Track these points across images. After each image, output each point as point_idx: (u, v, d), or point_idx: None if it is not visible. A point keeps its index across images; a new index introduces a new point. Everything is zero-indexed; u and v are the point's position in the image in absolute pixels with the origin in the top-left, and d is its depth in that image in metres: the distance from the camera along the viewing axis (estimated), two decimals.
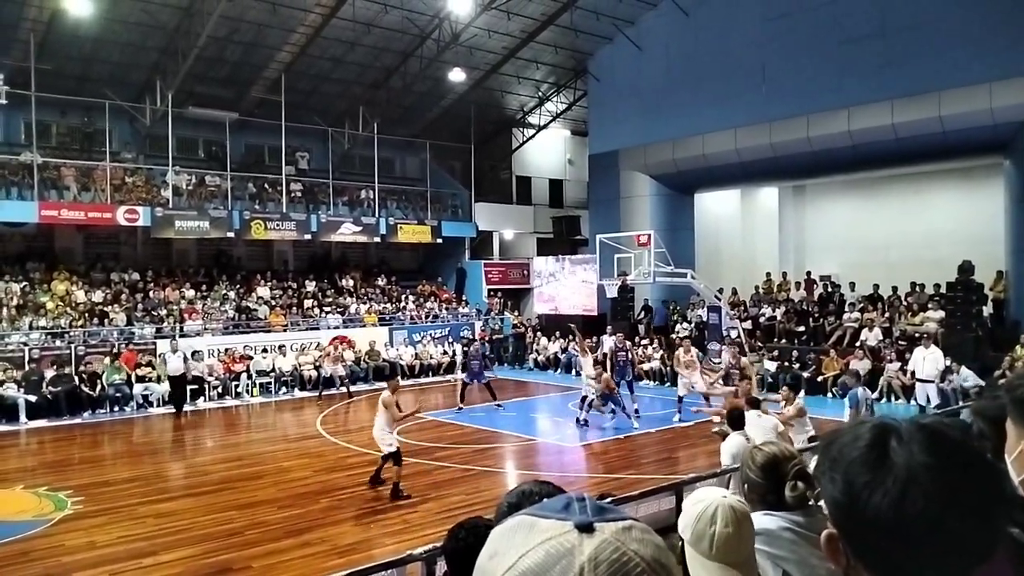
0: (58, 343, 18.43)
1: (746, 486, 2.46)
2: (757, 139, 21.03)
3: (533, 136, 31.01)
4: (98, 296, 20.49)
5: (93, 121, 21.95)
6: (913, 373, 15.95)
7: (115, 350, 18.39)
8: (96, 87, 21.00)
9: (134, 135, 22.99)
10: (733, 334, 19.85)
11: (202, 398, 18.55)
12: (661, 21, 23.30)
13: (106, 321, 19.65)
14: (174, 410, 17.34)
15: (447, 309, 26.15)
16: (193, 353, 18.99)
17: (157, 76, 21.10)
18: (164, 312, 20.72)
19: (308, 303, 23.64)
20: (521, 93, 28.78)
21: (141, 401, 17.87)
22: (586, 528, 0.76)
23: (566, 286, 27.03)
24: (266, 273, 24.45)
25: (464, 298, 27.32)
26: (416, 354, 22.92)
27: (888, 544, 0.92)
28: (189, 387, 18.34)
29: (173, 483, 11.45)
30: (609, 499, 4.81)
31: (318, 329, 22.50)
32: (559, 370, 23.12)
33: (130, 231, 22.18)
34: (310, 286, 24.61)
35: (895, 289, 20.01)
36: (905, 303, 19.45)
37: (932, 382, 15.24)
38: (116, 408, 17.45)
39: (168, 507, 10.03)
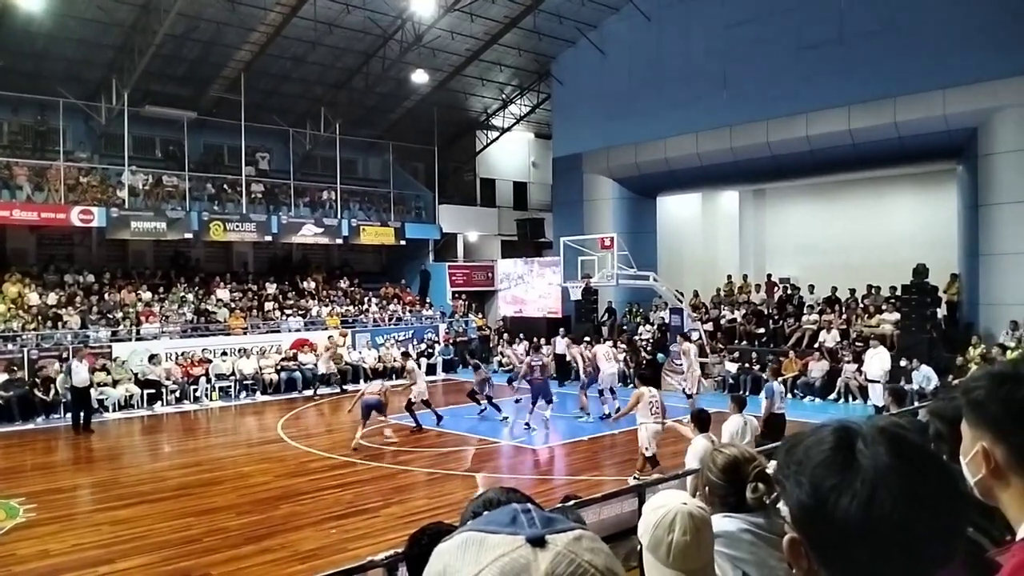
0: (10, 347, 17.94)
1: (707, 488, 2.48)
2: (718, 143, 21.28)
3: (497, 139, 31.04)
4: (52, 299, 20.00)
5: (47, 119, 21.42)
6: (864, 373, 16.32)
7: (64, 355, 17.85)
8: (50, 84, 20.50)
9: (89, 134, 22.49)
10: (695, 336, 20.04)
11: (159, 403, 18.20)
12: (623, 25, 23.47)
13: (60, 324, 19.19)
14: (72, 425, 15.63)
15: (411, 312, 26.01)
16: (150, 357, 18.64)
17: (113, 74, 20.67)
18: (120, 315, 20.30)
19: (269, 306, 23.33)
20: (485, 95, 28.77)
21: (96, 406, 17.42)
22: (538, 542, 0.75)
23: (533, 288, 27.05)
24: (225, 275, 24.07)
25: (428, 301, 27.20)
26: (379, 357, 22.74)
27: (855, 546, 0.92)
28: (145, 391, 18.01)
29: (130, 489, 11.18)
30: (573, 501, 4.82)
31: (279, 332, 22.21)
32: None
33: (84, 232, 21.70)
34: (271, 288, 24.29)
35: (852, 291, 20.39)
36: (862, 305, 19.82)
37: (879, 382, 15.55)
38: (70, 414, 16.99)
39: (125, 514, 9.81)
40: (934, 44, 17.36)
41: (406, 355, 18.63)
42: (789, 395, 17.93)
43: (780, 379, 12.53)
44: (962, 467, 1.30)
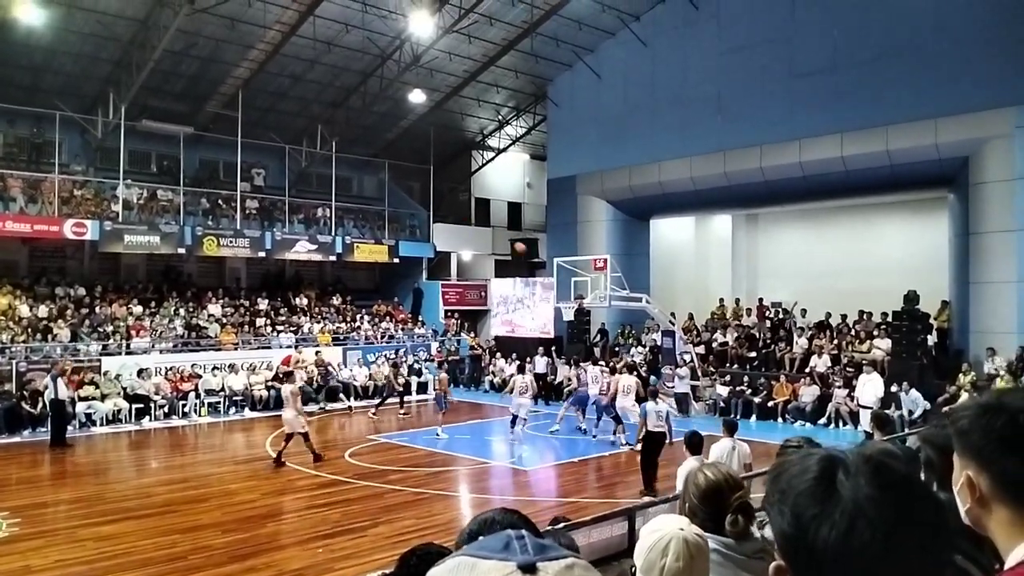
0: None
1: (687, 506, 2.46)
2: (712, 168, 21.41)
3: (492, 159, 31.17)
4: (42, 311, 19.90)
5: (43, 132, 21.45)
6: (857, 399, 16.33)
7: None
8: (47, 97, 20.55)
9: (85, 147, 22.51)
10: (687, 358, 20.07)
11: (147, 417, 18.08)
12: (620, 50, 23.69)
13: (50, 337, 19.08)
14: (50, 441, 15.39)
15: (403, 330, 25.96)
16: (139, 371, 18.54)
17: (110, 88, 20.72)
18: (110, 328, 20.20)
19: (260, 321, 23.26)
20: (481, 116, 28.93)
21: (84, 420, 17.33)
22: (529, 569, 0.75)
23: (534, 316, 26.53)
24: (218, 290, 24.02)
25: (420, 319, 27.17)
26: (370, 375, 22.66)
27: None
28: (133, 405, 17.89)
29: (115, 505, 11.06)
30: (563, 523, 4.79)
31: (270, 348, 22.13)
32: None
33: (77, 245, 21.64)
34: (263, 304, 24.23)
35: (844, 317, 20.46)
36: (853, 331, 19.88)
37: (871, 408, 15.55)
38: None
39: (109, 530, 9.70)
40: (926, 74, 17.57)
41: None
42: (781, 419, 18.01)
43: (660, 398, 12.66)
44: (954, 494, 1.31)
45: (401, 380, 20.37)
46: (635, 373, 19.53)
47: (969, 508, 1.25)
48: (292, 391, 13.74)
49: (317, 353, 21.91)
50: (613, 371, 16.67)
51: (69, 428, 16.82)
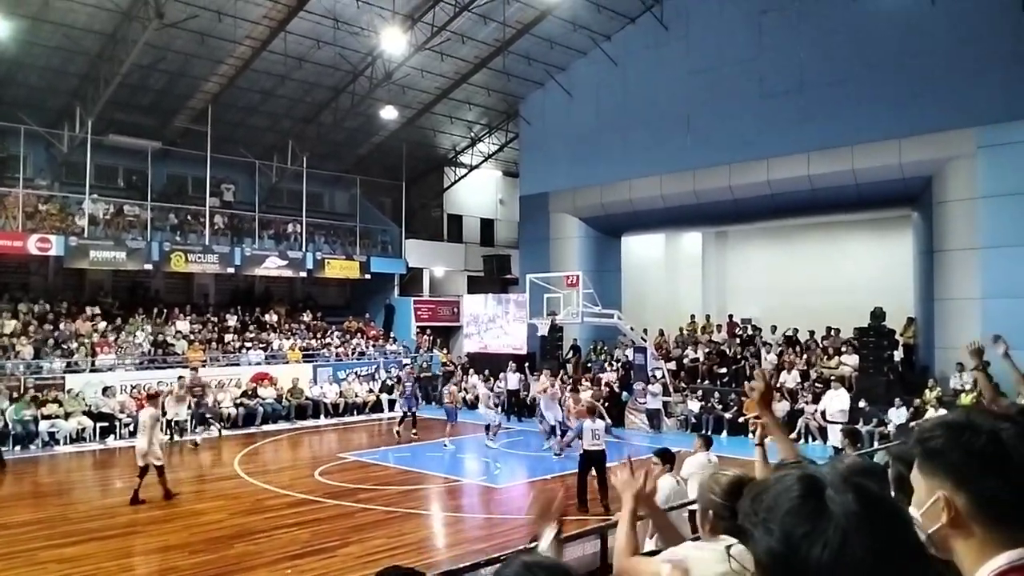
0: None
1: (711, 513, 2.49)
2: (682, 186, 21.63)
3: (465, 176, 31.21)
4: (5, 327, 19.46)
5: (7, 146, 21.07)
6: (824, 414, 16.49)
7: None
8: (10, 111, 20.20)
9: (50, 161, 22.14)
10: (658, 375, 20.15)
11: (112, 436, 17.71)
12: (591, 69, 23.91)
13: (12, 354, 18.66)
14: None
15: (374, 346, 25.78)
16: (104, 389, 18.19)
17: (77, 102, 20.44)
18: (75, 345, 19.82)
19: (229, 338, 22.96)
20: (453, 133, 28.98)
21: (47, 439, 16.95)
22: None
23: (507, 334, 26.24)
24: (185, 307, 23.68)
25: (392, 335, 26.99)
26: (340, 392, 22.44)
27: None
28: (98, 424, 17.54)
29: (78, 526, 10.79)
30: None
31: (238, 365, 21.84)
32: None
33: (42, 260, 21.24)
34: (231, 320, 23.93)
35: (812, 333, 20.69)
36: (821, 347, 20.10)
37: (838, 423, 15.73)
38: (19, 446, 16.50)
39: (72, 552, 9.47)
40: (891, 96, 17.95)
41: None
42: (751, 434, 18.07)
43: (595, 416, 12.43)
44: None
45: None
46: (602, 387, 19.63)
47: (939, 528, 1.26)
48: (151, 415, 12.20)
49: (194, 371, 19.46)
50: (576, 386, 16.98)
51: (32, 447, 16.53)
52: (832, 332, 20.28)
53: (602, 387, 19.82)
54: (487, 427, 17.27)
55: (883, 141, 17.95)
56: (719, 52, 20.95)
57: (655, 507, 2.86)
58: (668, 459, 7.70)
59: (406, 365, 21.07)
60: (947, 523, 1.25)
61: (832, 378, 17.66)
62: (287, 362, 22.66)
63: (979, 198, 16.81)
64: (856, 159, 18.50)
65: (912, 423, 14.46)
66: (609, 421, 15.55)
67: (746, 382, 19.44)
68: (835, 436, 15.78)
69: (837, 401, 16.00)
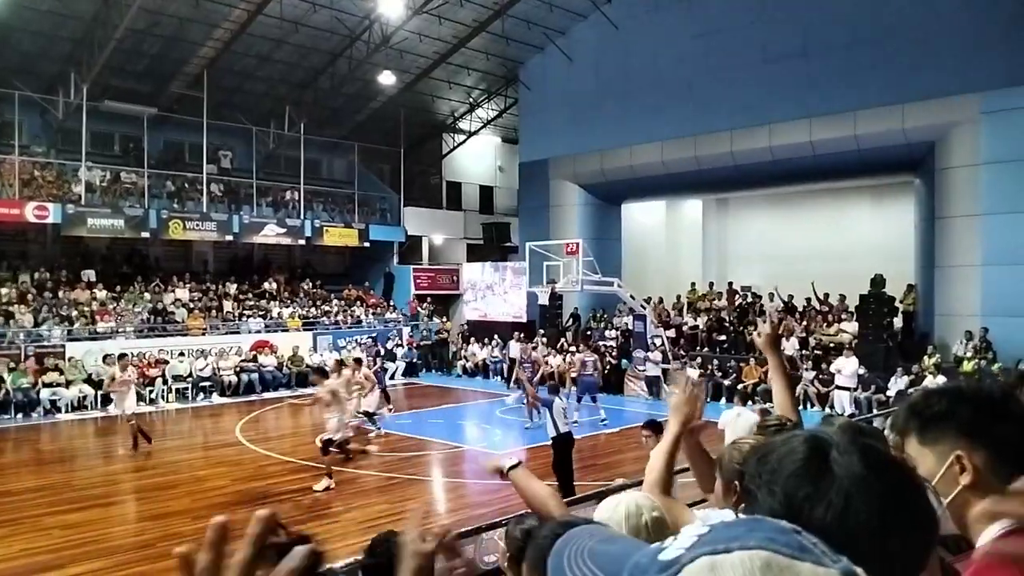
0: None
1: (736, 484, 2.47)
2: (683, 152, 21.47)
3: (464, 142, 30.98)
4: (3, 295, 19.45)
5: (1, 112, 20.86)
6: (830, 380, 16.61)
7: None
8: (5, 76, 19.97)
9: (45, 128, 21.96)
10: (657, 342, 20.19)
11: (112, 404, 17.79)
12: (591, 33, 23.60)
13: (12, 322, 18.67)
14: None
15: (374, 314, 25.80)
16: (105, 357, 18.21)
17: (71, 68, 20.20)
18: (75, 313, 19.82)
19: (228, 306, 22.96)
20: (452, 98, 28.70)
21: (48, 407, 17.03)
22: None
23: (504, 302, 26.33)
24: (184, 275, 23.64)
25: (392, 303, 27.01)
26: (340, 360, 22.46)
27: None
28: (99, 391, 17.61)
29: (81, 493, 10.88)
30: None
31: (238, 333, 21.87)
32: (491, 376, 23.09)
33: (39, 228, 21.16)
34: (231, 288, 23.91)
35: (808, 301, 20.68)
36: (821, 314, 20.10)
37: (848, 389, 15.84)
38: (21, 414, 16.59)
39: (76, 518, 9.55)
40: (894, 60, 17.75)
41: (358, 361, 16.15)
42: (751, 402, 18.18)
43: (563, 392, 11.35)
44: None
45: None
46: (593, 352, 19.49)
47: (958, 494, 1.24)
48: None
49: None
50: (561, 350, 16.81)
51: (34, 415, 16.63)
52: (827, 298, 20.11)
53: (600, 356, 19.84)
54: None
55: (886, 107, 17.77)
56: (721, 16, 20.65)
57: (698, 442, 2.77)
58: (658, 431, 7.72)
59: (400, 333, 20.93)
60: (966, 486, 1.23)
61: (832, 345, 17.74)
62: (287, 330, 22.69)
63: (981, 164, 16.70)
64: (859, 125, 18.34)
65: (911, 390, 14.51)
66: (572, 399, 14.78)
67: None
68: (839, 403, 15.96)
69: (849, 366, 16.15)
